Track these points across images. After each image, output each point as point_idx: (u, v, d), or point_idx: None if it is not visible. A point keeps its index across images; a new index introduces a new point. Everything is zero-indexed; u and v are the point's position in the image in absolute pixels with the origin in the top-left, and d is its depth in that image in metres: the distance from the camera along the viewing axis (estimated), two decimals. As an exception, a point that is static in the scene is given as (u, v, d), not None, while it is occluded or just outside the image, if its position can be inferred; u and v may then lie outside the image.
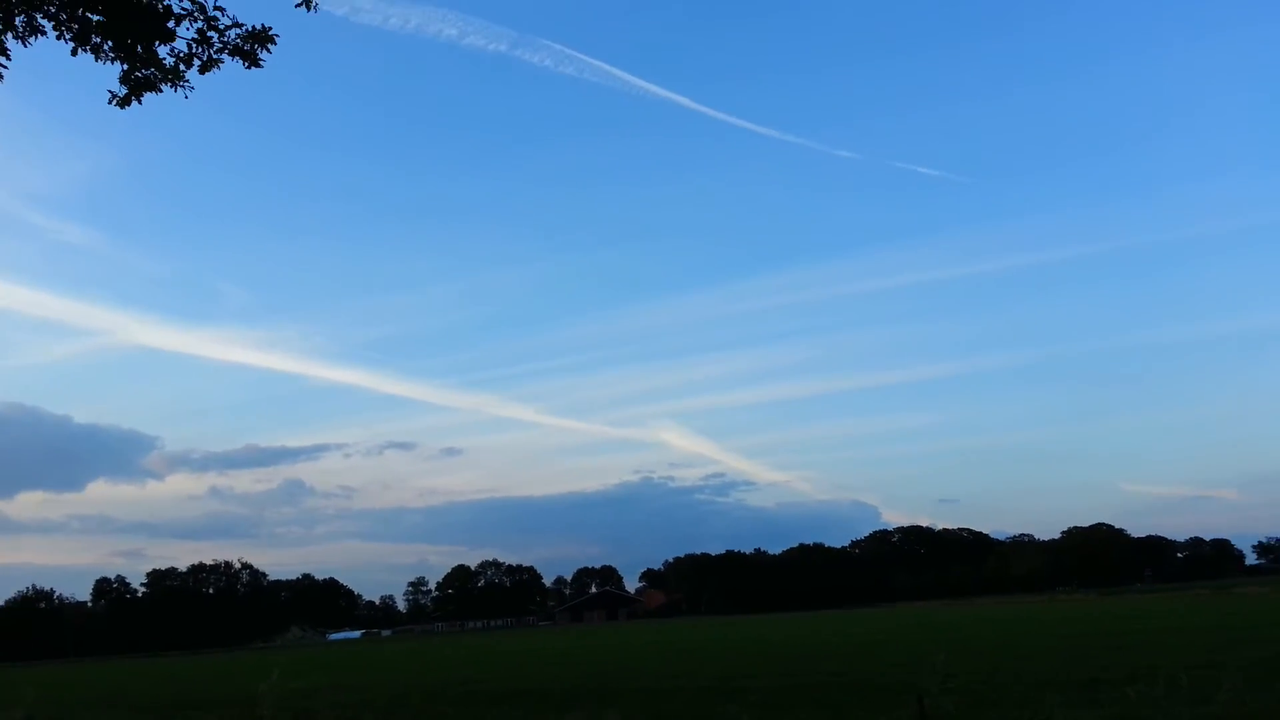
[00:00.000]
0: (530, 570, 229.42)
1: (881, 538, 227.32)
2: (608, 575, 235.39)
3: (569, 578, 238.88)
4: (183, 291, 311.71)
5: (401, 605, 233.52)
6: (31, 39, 10.71)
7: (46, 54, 10.46)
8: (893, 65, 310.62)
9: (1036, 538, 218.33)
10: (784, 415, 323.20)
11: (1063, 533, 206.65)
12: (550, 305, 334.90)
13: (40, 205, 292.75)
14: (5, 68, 10.80)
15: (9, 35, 10.66)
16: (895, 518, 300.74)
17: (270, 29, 9.91)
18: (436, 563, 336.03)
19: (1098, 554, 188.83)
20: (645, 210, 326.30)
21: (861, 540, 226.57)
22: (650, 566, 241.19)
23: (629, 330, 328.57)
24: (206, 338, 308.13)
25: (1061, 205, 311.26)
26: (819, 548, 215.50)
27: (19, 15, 10.48)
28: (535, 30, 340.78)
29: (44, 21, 10.55)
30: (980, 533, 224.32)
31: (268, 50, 9.95)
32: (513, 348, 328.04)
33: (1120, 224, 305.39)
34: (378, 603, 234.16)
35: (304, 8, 10.58)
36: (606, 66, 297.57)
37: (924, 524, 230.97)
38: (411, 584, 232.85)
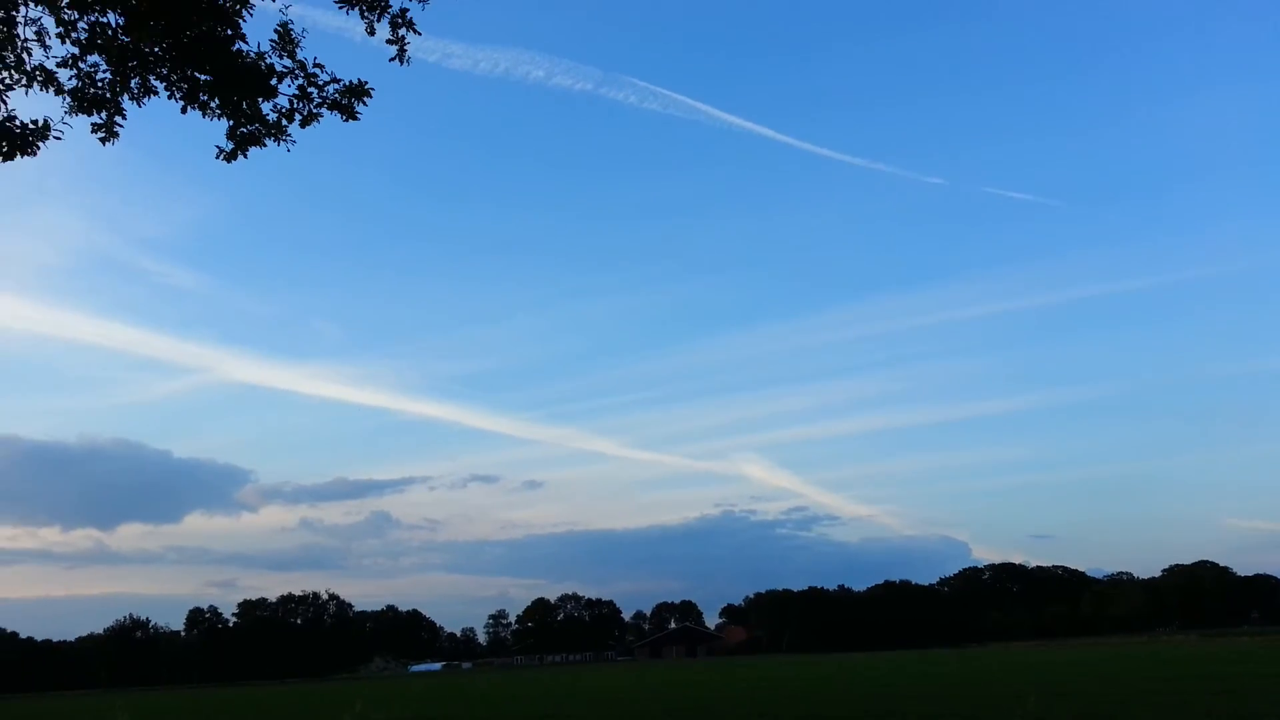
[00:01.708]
0: (609, 604, 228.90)
1: (971, 575, 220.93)
2: (687, 610, 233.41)
3: (648, 612, 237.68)
4: (280, 330, 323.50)
5: (482, 637, 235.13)
6: (145, 99, 11.40)
7: (159, 106, 11.13)
8: (983, 90, 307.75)
9: (1136, 576, 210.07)
10: (868, 448, 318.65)
11: (1164, 571, 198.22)
12: (632, 338, 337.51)
13: (151, 250, 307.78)
14: (121, 126, 11.51)
15: (125, 96, 11.38)
16: (986, 554, 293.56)
17: (366, 83, 10.41)
18: (517, 595, 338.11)
19: (1201, 593, 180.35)
20: (728, 241, 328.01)
21: (950, 578, 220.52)
22: (731, 602, 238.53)
23: (710, 362, 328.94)
24: (301, 374, 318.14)
25: (1157, 231, 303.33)
26: (905, 585, 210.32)
27: (134, 78, 11.17)
28: (620, 68, 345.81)
29: (156, 82, 11.23)
30: (1076, 570, 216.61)
31: (364, 104, 10.44)
32: (594, 381, 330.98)
33: (1217, 249, 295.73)
34: (459, 635, 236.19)
35: (397, 61, 11.08)
36: (690, 100, 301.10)
37: (1016, 561, 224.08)
38: (492, 616, 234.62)
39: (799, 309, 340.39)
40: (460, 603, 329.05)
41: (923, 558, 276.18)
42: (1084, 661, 59.36)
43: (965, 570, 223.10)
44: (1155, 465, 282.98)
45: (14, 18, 9.93)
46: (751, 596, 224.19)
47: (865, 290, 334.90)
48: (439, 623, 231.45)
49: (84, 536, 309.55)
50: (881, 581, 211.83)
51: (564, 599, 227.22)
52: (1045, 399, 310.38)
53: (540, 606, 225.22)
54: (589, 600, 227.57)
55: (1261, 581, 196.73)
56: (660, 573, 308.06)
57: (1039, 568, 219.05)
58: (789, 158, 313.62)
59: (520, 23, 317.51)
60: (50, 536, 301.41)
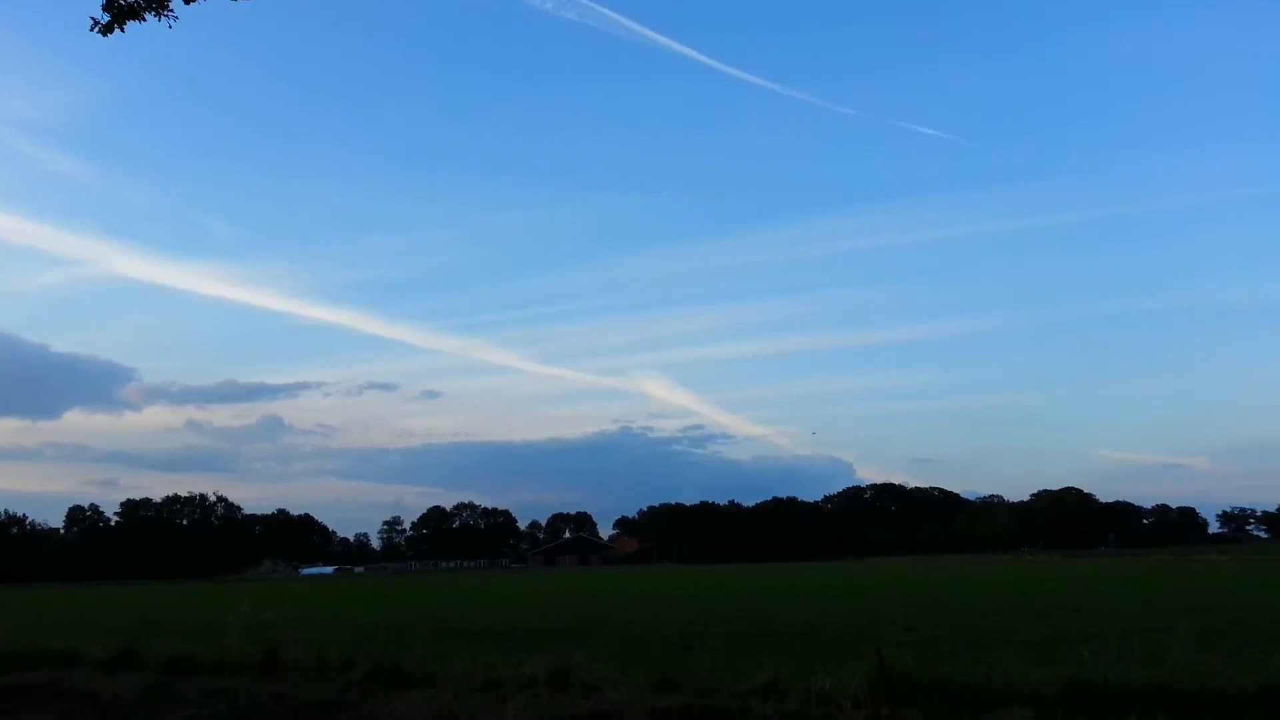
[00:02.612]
0: (505, 514, 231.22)
1: (855, 494, 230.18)
2: (582, 521, 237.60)
3: (543, 523, 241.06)
4: (169, 225, 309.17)
5: (376, 543, 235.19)
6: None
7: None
8: (899, 23, 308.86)
9: (1007, 499, 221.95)
10: (766, 370, 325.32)
11: (1032, 495, 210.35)
12: (538, 253, 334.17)
13: (28, 132, 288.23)
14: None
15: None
16: (870, 474, 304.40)
17: (256, -39, 9.80)
18: (412, 503, 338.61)
19: (1065, 517, 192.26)
20: (638, 160, 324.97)
21: (834, 496, 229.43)
22: (625, 514, 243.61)
23: (615, 280, 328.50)
24: (191, 272, 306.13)
25: (1053, 171, 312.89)
26: (792, 501, 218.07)
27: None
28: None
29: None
30: (952, 492, 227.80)
31: (253, -18, 9.84)
32: (498, 294, 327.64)
33: (1108, 192, 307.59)
34: (352, 540, 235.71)
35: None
36: (608, 12, 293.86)
37: (898, 482, 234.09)
38: (386, 523, 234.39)
39: (707, 230, 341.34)
40: (355, 508, 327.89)
41: (811, 477, 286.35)
42: (955, 576, 62.88)
43: (849, 489, 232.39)
44: (1034, 396, 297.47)
45: None
46: (645, 510, 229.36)
47: (773, 215, 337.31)
48: (332, 527, 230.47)
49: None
50: (770, 498, 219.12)
51: (460, 507, 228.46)
52: (937, 330, 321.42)
53: (436, 514, 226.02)
54: (485, 509, 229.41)
55: (1120, 508, 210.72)
56: (557, 485, 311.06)
57: (918, 489, 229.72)
58: (707, 79, 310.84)
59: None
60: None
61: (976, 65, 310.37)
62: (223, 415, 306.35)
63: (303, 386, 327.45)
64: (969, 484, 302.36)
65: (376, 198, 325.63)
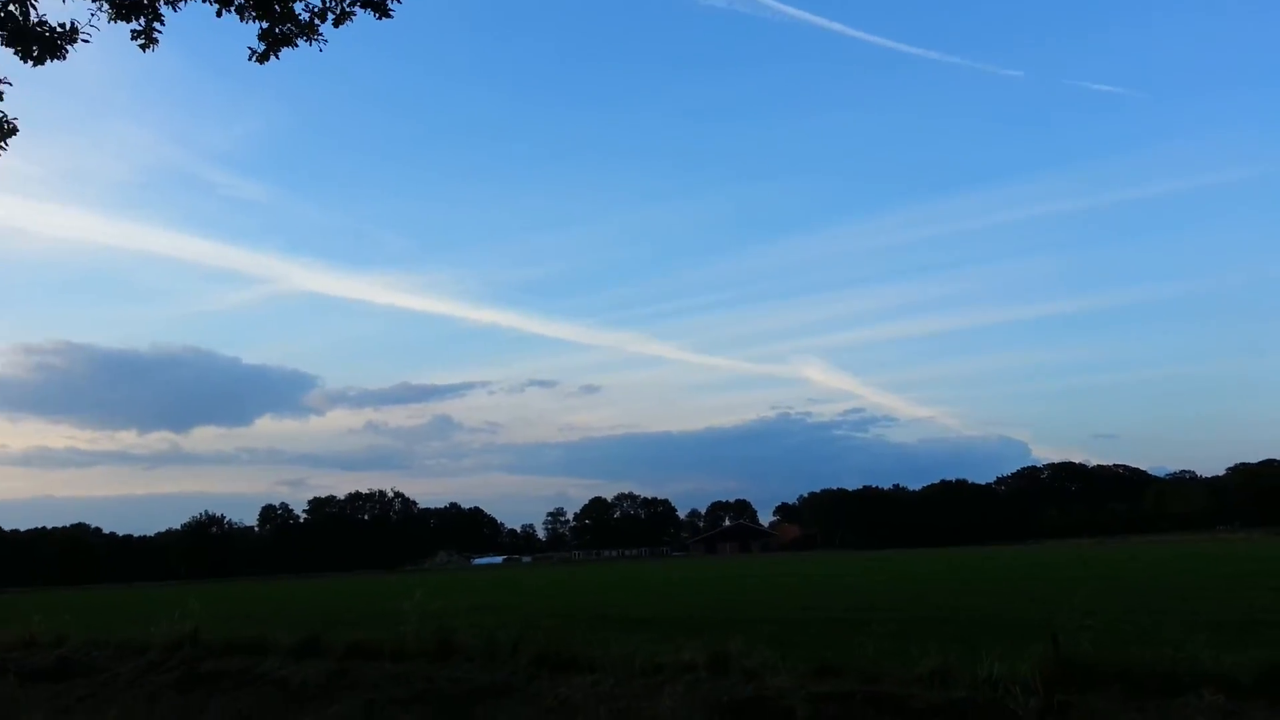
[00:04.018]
0: (665, 503, 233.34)
1: (1030, 474, 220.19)
2: (741, 509, 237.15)
3: (703, 511, 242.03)
4: (345, 238, 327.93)
5: (541, 534, 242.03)
6: (181, 3, 11.32)
7: (206, 12, 11.10)
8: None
9: (1199, 475, 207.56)
10: (930, 350, 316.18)
11: (1228, 469, 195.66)
12: (694, 243, 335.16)
13: (219, 162, 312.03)
14: (160, 32, 11.48)
15: (161, 1, 11.32)
16: (1046, 454, 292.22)
17: (401, -24, 10.20)
18: (575, 495, 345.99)
19: (1266, 491, 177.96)
20: (790, 143, 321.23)
21: (1008, 477, 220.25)
22: (785, 501, 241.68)
23: (772, 266, 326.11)
24: (366, 282, 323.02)
25: (1228, 126, 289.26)
26: (962, 484, 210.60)
27: (167, -22, 11.07)
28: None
29: (190, -17, 11.13)
30: (1137, 469, 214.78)
31: (397, 0, 10.26)
32: (655, 286, 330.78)
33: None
34: (519, 531, 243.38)
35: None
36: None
37: (1077, 460, 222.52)
38: (551, 514, 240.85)
39: (864, 210, 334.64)
40: (521, 501, 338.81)
41: (982, 458, 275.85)
42: (1142, 557, 59.29)
43: (1024, 469, 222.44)
44: (1221, 366, 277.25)
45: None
46: (806, 496, 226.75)
47: (933, 190, 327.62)
48: (500, 519, 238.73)
49: (160, 439, 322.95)
50: (938, 481, 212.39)
51: (620, 498, 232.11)
52: (1110, 299, 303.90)
53: (597, 504, 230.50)
54: (645, 499, 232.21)
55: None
56: (716, 473, 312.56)
57: (1099, 466, 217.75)
58: (859, 53, 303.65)
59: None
60: (128, 439, 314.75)
61: (1151, 16, 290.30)
62: (398, 416, 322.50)
63: (469, 386, 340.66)
64: (1156, 460, 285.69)
65: (535, 197, 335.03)
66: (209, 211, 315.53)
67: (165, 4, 11.32)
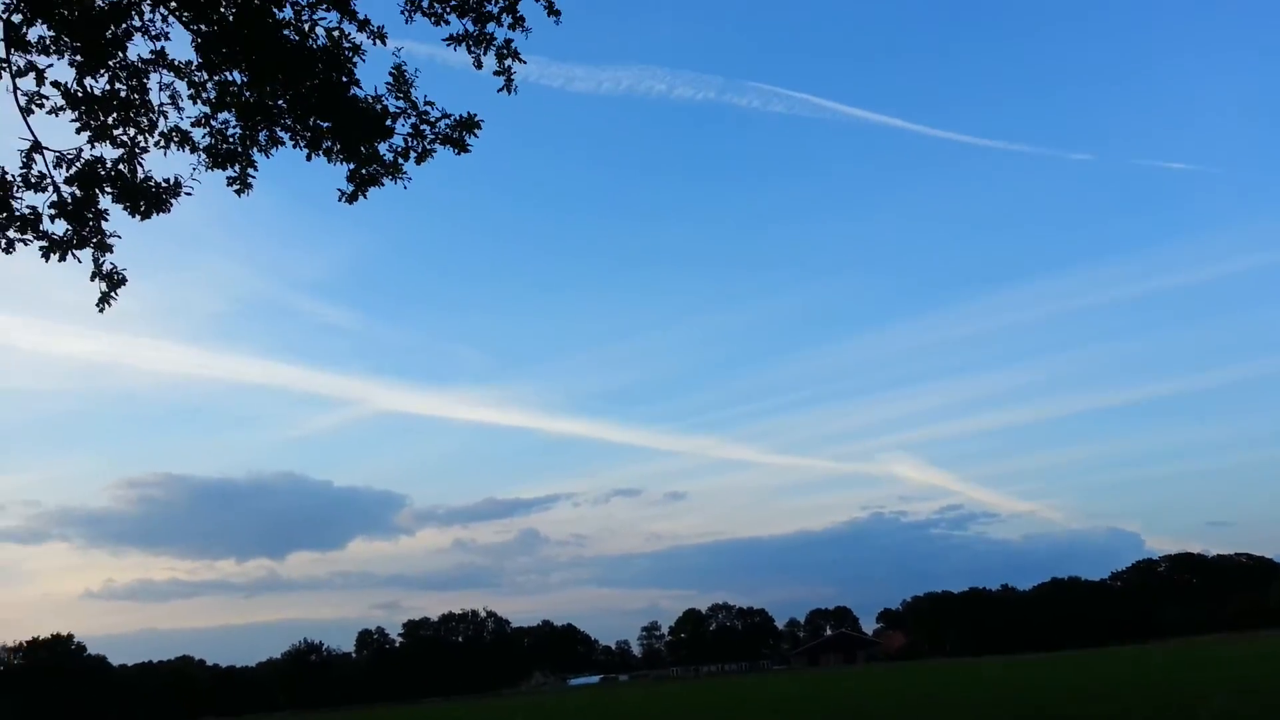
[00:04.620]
0: (761, 613, 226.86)
1: (1146, 568, 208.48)
2: (842, 616, 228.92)
3: (802, 620, 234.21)
4: (426, 357, 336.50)
5: (636, 649, 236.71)
6: (273, 150, 11.93)
7: (290, 153, 11.68)
8: (1131, 57, 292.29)
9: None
10: (1024, 440, 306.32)
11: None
12: (767, 343, 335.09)
13: (307, 290, 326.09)
14: (253, 178, 12.08)
15: (254, 149, 11.95)
16: (1160, 544, 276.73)
17: (476, 116, 10.60)
18: (668, 607, 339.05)
19: None
20: (859, 239, 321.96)
21: (1122, 571, 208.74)
22: (887, 606, 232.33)
23: (850, 362, 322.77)
24: (447, 399, 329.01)
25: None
26: (1074, 581, 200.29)
27: (261, 130, 11.71)
28: (741, 74, 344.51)
29: (282, 133, 11.74)
30: (1262, 557, 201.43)
31: (474, 135, 10.63)
32: (733, 389, 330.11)
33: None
34: (614, 647, 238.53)
35: (505, 91, 11.25)
36: (815, 99, 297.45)
37: (1194, 550, 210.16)
38: (645, 628, 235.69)
39: (941, 301, 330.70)
40: (613, 615, 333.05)
41: (1091, 552, 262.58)
42: (1275, 654, 55.04)
43: (1139, 563, 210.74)
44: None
45: (145, 85, 10.57)
46: (909, 600, 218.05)
47: (1012, 277, 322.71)
48: (594, 636, 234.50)
49: (258, 566, 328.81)
50: (1048, 579, 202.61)
51: (715, 609, 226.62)
52: (1212, 379, 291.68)
53: (692, 617, 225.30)
54: (740, 609, 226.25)
55: None
56: (811, 579, 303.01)
57: (1220, 556, 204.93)
58: (924, 147, 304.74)
59: (639, 41, 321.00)
60: (227, 568, 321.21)
61: (1221, 92, 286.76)
62: (485, 533, 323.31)
63: (554, 498, 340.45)
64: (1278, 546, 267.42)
65: (608, 305, 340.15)
66: (297, 338, 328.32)
67: (258, 151, 11.97)
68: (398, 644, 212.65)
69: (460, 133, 10.57)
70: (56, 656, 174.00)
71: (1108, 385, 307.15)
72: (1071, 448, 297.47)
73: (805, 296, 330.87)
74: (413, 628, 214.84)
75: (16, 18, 10.67)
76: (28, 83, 10.28)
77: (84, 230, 10.31)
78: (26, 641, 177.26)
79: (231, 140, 11.76)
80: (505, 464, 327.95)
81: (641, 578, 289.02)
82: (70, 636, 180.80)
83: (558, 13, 10.80)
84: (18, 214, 10.21)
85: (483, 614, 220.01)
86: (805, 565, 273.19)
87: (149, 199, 10.27)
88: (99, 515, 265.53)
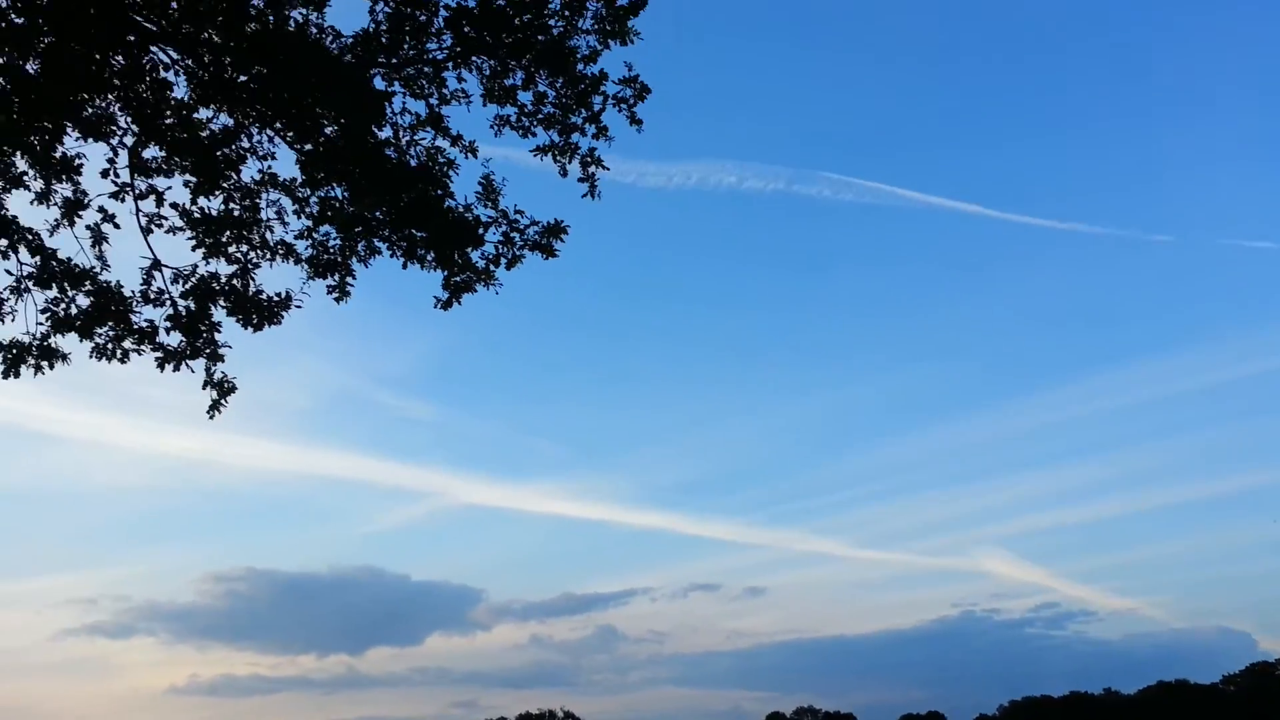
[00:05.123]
0: (849, 717, 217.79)
1: (1262, 670, 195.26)
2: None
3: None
4: (504, 449, 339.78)
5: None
6: (371, 259, 12.49)
7: (383, 260, 12.26)
8: (1213, 136, 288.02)
9: None
10: (1121, 533, 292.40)
11: None
12: (847, 433, 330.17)
13: (388, 385, 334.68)
14: (351, 286, 12.62)
15: (354, 259, 12.52)
16: (1275, 646, 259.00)
17: (563, 223, 10.98)
18: (751, 709, 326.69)
19: None
20: (941, 325, 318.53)
21: (1236, 675, 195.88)
22: (983, 711, 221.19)
23: (933, 452, 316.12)
24: (525, 492, 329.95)
25: None
26: (1183, 685, 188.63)
27: (360, 242, 12.29)
28: (810, 164, 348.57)
29: (379, 244, 12.30)
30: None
31: (561, 240, 11.00)
32: (812, 479, 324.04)
33: None
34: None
35: (589, 197, 11.65)
36: (887, 187, 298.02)
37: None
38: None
39: (1028, 388, 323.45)
40: (694, 717, 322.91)
41: (1199, 653, 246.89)
42: None
43: (1253, 665, 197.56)
44: None
45: (258, 204, 11.24)
46: (1006, 705, 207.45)
47: (1101, 362, 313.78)
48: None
49: (337, 662, 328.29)
50: (1154, 682, 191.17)
51: (800, 712, 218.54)
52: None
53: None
54: (827, 713, 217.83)
55: None
56: (900, 681, 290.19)
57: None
58: (1002, 233, 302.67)
59: (706, 137, 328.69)
60: (307, 664, 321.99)
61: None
62: (561, 629, 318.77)
63: (631, 593, 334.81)
64: None
65: (683, 396, 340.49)
66: (380, 432, 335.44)
67: (357, 261, 12.53)
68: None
69: (548, 239, 10.96)
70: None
71: (1207, 474, 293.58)
72: (1171, 540, 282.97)
73: (885, 385, 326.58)
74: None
75: (129, 139, 11.52)
76: (148, 205, 11.03)
77: (197, 342, 10.89)
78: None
79: (332, 251, 12.36)
80: (582, 558, 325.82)
81: (723, 678, 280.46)
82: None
83: (640, 122, 11.25)
84: (135, 327, 10.86)
85: (560, 714, 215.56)
86: (893, 666, 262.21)
87: (261, 312, 10.84)
88: (185, 610, 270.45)
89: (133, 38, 10.10)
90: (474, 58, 11.60)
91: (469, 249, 11.03)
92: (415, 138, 10.88)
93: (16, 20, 11.06)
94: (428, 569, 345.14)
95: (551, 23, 11.37)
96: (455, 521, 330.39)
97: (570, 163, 11.47)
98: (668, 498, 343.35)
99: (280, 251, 11.94)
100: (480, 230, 10.94)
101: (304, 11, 11.10)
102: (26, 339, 11.35)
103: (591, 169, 11.38)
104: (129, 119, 11.43)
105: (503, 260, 11.16)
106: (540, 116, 11.49)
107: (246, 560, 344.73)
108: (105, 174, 10.83)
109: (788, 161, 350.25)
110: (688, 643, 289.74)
